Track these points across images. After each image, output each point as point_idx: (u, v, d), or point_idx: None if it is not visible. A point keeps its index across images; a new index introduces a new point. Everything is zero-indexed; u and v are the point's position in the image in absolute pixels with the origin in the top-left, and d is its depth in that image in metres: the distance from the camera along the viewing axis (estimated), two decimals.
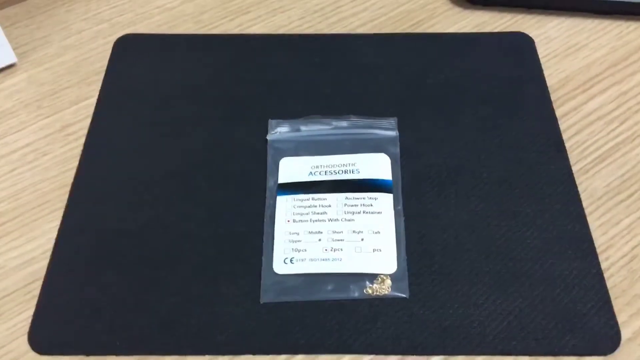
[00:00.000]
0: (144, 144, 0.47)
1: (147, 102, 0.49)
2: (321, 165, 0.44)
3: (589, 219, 0.42)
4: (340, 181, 0.44)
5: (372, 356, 0.37)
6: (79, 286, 0.40)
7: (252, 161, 0.45)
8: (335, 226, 0.41)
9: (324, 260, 0.40)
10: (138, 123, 0.48)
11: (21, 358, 0.37)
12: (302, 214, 0.42)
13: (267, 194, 0.43)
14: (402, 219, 0.42)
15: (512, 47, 0.52)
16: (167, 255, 0.41)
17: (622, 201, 0.44)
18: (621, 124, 0.48)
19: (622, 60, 0.52)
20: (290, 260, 0.40)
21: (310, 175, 0.44)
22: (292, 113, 0.47)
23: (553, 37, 0.54)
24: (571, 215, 0.42)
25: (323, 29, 0.55)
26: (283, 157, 0.45)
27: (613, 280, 0.40)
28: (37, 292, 0.40)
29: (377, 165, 0.44)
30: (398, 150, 0.45)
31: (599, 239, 0.42)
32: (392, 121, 0.47)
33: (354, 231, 0.41)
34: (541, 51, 0.53)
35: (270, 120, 0.47)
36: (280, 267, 0.40)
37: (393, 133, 0.46)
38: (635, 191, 0.44)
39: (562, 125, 0.48)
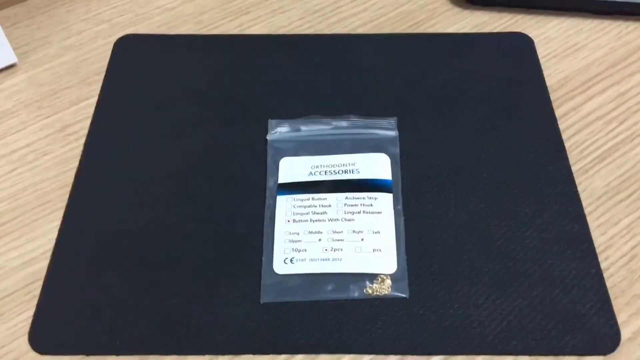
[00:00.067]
0: (144, 144, 0.47)
1: (147, 103, 0.49)
2: (321, 165, 0.45)
3: (589, 219, 0.42)
4: (340, 181, 0.44)
5: (372, 356, 0.37)
6: (79, 286, 0.40)
7: (252, 161, 0.45)
8: (335, 226, 0.41)
9: (323, 260, 0.40)
10: (138, 123, 0.48)
11: (21, 358, 0.37)
12: (302, 214, 0.42)
13: (267, 194, 0.44)
14: (402, 219, 0.42)
15: (511, 48, 0.52)
16: (168, 255, 0.41)
17: (621, 201, 0.44)
18: (620, 124, 0.48)
19: (621, 60, 0.53)
20: (290, 261, 0.40)
21: (310, 175, 0.44)
22: (292, 113, 0.47)
23: (552, 38, 0.54)
24: (570, 215, 0.42)
25: (323, 29, 0.55)
26: (283, 157, 0.45)
27: (612, 280, 0.40)
28: (37, 292, 0.40)
29: (377, 165, 0.44)
30: (398, 150, 0.45)
31: (599, 239, 0.42)
32: (392, 121, 0.47)
33: (353, 231, 0.41)
34: (540, 51, 0.53)
35: (270, 120, 0.47)
36: (280, 267, 0.40)
37: (393, 133, 0.46)
38: (635, 191, 0.44)
39: (562, 126, 0.48)
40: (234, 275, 0.40)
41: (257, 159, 0.45)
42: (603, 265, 0.41)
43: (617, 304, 0.39)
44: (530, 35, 0.54)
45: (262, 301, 0.39)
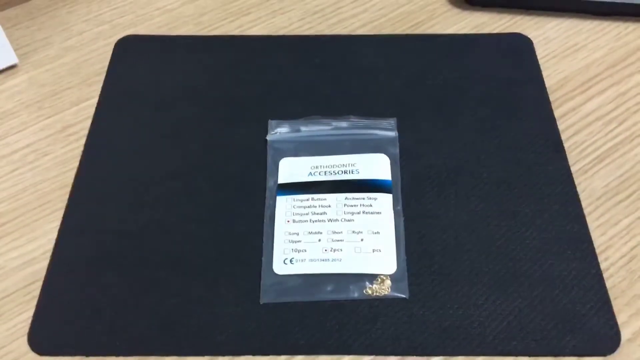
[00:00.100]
0: (144, 144, 0.47)
1: (148, 103, 0.49)
2: (321, 166, 0.45)
3: (588, 219, 0.42)
4: (340, 181, 0.44)
5: (371, 357, 0.37)
6: (79, 287, 0.40)
7: (252, 162, 0.45)
8: (334, 226, 0.41)
9: (323, 260, 0.40)
10: (138, 124, 0.48)
11: (21, 359, 0.37)
12: (301, 214, 0.42)
13: (267, 194, 0.44)
14: (402, 219, 0.42)
15: (510, 48, 0.53)
16: (167, 256, 0.41)
17: (620, 201, 0.44)
18: (620, 124, 0.48)
19: (620, 61, 0.53)
20: (290, 261, 0.40)
21: (310, 176, 0.44)
22: (292, 114, 0.48)
23: (552, 38, 0.54)
24: (570, 215, 0.42)
25: (323, 30, 0.55)
26: (283, 157, 0.45)
27: (612, 280, 0.40)
28: (37, 292, 0.40)
29: (377, 166, 0.44)
30: (397, 150, 0.45)
31: (598, 239, 0.42)
32: (392, 122, 0.47)
33: (353, 231, 0.41)
34: (540, 52, 0.53)
35: (270, 121, 0.47)
36: (280, 267, 0.40)
37: (392, 133, 0.46)
38: (634, 191, 0.44)
39: (561, 126, 0.48)
40: (234, 276, 0.40)
41: (257, 159, 0.46)
42: (603, 266, 0.41)
43: (617, 305, 0.39)
44: (529, 36, 0.54)
45: (261, 301, 0.39)
